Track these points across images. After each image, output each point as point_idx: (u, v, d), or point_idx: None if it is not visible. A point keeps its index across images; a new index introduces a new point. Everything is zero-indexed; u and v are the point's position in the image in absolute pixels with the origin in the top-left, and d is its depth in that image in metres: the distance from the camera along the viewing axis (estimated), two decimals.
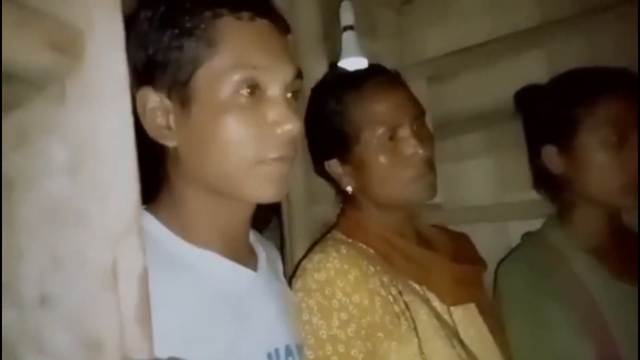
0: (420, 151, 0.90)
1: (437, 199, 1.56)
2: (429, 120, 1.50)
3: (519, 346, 0.95)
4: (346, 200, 1.04)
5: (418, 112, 0.96)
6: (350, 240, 0.95)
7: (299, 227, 1.36)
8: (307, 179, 1.33)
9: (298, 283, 0.88)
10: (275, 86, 0.67)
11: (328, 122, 0.99)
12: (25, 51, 0.34)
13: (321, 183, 1.30)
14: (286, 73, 0.68)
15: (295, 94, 0.71)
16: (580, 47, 1.28)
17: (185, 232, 0.68)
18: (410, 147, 0.91)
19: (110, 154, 0.43)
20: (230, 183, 0.67)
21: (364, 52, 1.45)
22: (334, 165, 1.01)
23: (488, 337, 0.92)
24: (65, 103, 0.41)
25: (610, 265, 0.98)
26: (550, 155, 1.03)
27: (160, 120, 0.66)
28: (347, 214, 1.02)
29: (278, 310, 0.75)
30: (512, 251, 1.15)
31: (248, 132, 0.65)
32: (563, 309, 0.95)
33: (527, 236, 1.15)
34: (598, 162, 0.96)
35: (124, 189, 0.44)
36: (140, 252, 0.44)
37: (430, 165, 0.93)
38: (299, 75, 0.70)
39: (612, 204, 0.99)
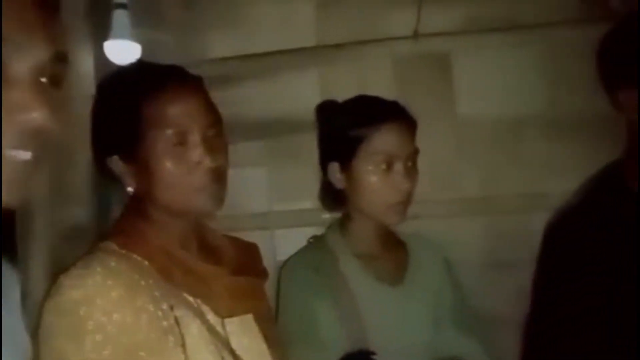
0: (207, 160, 0.86)
1: None
2: None
3: (290, 340, 1.02)
4: (128, 205, 0.93)
5: (212, 120, 0.91)
6: (124, 251, 0.85)
7: (38, 234, 1.15)
8: (52, 178, 1.13)
9: (50, 302, 0.76)
10: (21, 63, 0.55)
11: (115, 116, 0.88)
12: None
13: (71, 182, 1.13)
14: (38, 51, 0.57)
15: (55, 78, 0.59)
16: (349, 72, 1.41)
17: None
18: (196, 155, 0.86)
19: None
20: None
21: (139, 38, 1.33)
22: (115, 163, 0.89)
23: (262, 346, 0.94)
24: None
25: (375, 269, 1.12)
26: (334, 171, 1.10)
27: None
28: (127, 222, 0.91)
29: None
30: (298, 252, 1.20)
31: None
32: (329, 304, 1.07)
33: (312, 239, 1.21)
34: (370, 183, 1.07)
35: None
36: None
37: (218, 175, 0.89)
38: (59, 57, 0.58)
39: (378, 219, 1.11)
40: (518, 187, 1.41)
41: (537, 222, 1.24)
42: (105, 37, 1.31)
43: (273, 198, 1.48)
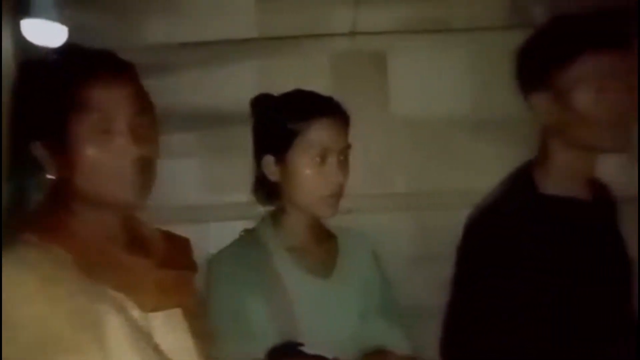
0: (133, 149, 0.83)
1: None
2: None
3: (218, 334, 1.00)
4: (49, 195, 0.88)
5: (141, 108, 0.88)
6: (43, 243, 0.81)
7: None
8: None
9: None
10: None
11: (40, 99, 0.83)
12: None
13: None
14: None
15: None
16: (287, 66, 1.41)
17: None
18: (121, 143, 0.82)
19: None
20: None
21: (66, 20, 1.27)
22: (37, 149, 0.84)
23: (188, 341, 0.91)
24: None
25: (306, 262, 1.13)
26: (269, 164, 1.10)
27: None
28: (47, 212, 0.86)
29: None
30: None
31: None
32: (259, 298, 1.07)
33: (244, 232, 1.20)
34: (304, 176, 1.09)
35: None
36: None
37: (143, 165, 0.85)
38: None
39: (312, 212, 1.12)
40: (446, 184, 1.47)
41: (464, 218, 1.30)
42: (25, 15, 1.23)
43: (207, 190, 1.47)
